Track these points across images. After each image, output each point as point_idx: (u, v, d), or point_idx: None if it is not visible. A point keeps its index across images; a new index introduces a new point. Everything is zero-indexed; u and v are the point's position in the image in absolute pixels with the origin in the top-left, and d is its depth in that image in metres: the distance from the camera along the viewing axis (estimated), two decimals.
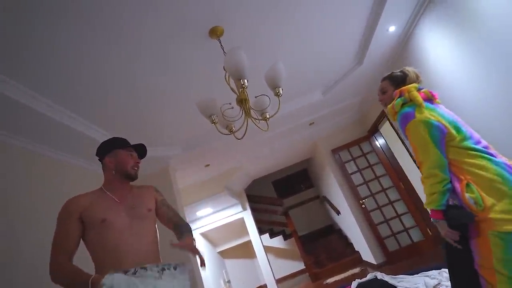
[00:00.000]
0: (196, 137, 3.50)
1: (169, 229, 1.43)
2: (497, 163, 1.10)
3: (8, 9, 1.38)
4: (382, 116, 4.23)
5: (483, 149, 1.15)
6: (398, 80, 1.45)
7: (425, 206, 1.24)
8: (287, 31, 2.29)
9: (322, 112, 4.18)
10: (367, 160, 4.95)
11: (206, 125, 3.13)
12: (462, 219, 1.14)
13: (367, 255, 4.89)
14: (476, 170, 1.11)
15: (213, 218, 6.07)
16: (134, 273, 1.12)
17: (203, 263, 1.22)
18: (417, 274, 2.83)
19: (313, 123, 4.45)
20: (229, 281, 7.32)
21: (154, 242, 1.34)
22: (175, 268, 1.23)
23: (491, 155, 1.14)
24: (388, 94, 1.46)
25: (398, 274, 3.09)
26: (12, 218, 1.87)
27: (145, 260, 1.22)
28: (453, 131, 1.18)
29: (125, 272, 1.11)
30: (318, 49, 2.68)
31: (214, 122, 1.80)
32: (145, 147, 1.48)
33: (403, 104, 1.26)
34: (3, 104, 1.78)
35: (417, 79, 1.45)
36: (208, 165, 4.54)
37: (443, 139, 1.19)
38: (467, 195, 1.11)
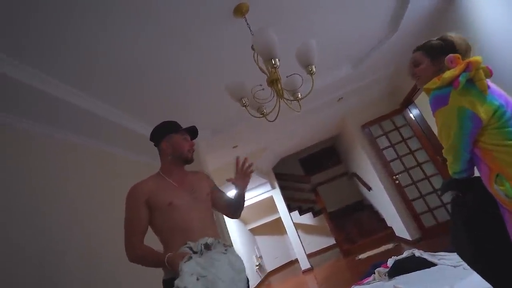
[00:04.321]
0: (224, 119, 3.49)
1: (223, 209, 1.57)
2: None
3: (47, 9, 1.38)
4: (417, 87, 3.95)
5: None
6: (437, 50, 1.21)
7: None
8: (315, 3, 2.13)
9: (352, 87, 3.98)
10: (401, 134, 4.73)
11: (233, 107, 3.08)
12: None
13: (401, 231, 4.79)
14: (510, 159, 1.01)
15: None
16: (201, 254, 1.21)
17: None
18: None
19: (341, 98, 4.26)
20: (261, 257, 7.58)
21: (214, 223, 1.45)
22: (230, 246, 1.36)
23: None
24: (424, 67, 1.24)
25: (437, 251, 3.00)
26: (61, 208, 1.99)
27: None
28: (494, 119, 1.05)
29: (193, 252, 1.20)
30: (349, 18, 2.48)
31: (245, 105, 1.76)
32: (197, 128, 1.53)
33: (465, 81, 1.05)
34: (49, 102, 1.87)
35: (466, 46, 1.21)
36: (236, 146, 4.55)
37: (475, 130, 1.07)
38: (495, 186, 1.02)
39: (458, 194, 1.22)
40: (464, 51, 1.20)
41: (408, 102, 4.44)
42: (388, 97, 4.82)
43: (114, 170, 2.71)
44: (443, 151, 1.21)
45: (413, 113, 4.52)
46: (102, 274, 2.03)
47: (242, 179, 1.52)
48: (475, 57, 1.11)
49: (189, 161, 1.45)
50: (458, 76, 1.07)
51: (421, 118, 4.38)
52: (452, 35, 1.24)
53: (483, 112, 1.05)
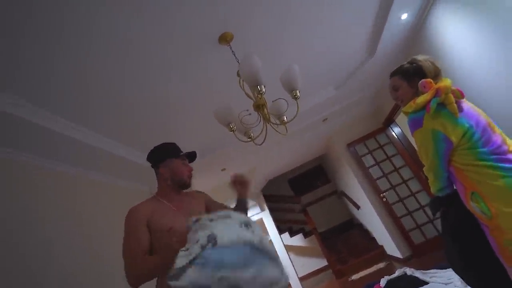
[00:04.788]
0: (211, 143, 3.50)
1: None
2: (508, 171, 1.04)
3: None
4: (398, 107, 4.12)
5: (495, 157, 1.07)
6: (410, 73, 1.30)
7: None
8: (296, 30, 2.24)
9: (336, 108, 4.11)
10: (385, 152, 4.84)
11: (220, 131, 3.11)
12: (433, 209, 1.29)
13: (392, 249, 4.78)
14: (482, 179, 1.06)
15: None
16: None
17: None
18: (449, 268, 2.73)
19: (326, 119, 4.37)
20: None
21: None
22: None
23: (505, 161, 1.06)
24: (403, 91, 1.32)
25: (428, 269, 3.00)
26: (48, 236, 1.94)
27: None
28: (464, 140, 1.12)
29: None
30: (329, 45, 2.62)
31: (233, 130, 1.78)
32: (196, 153, 1.51)
33: (437, 105, 1.13)
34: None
35: (434, 68, 1.28)
36: (224, 169, 4.53)
37: (448, 151, 1.14)
38: (472, 204, 1.07)
39: (444, 210, 1.26)
40: (434, 73, 1.27)
41: (390, 121, 4.60)
42: (371, 116, 4.98)
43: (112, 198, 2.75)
44: (424, 169, 1.26)
45: (395, 131, 4.67)
46: (103, 277, 2.06)
47: (239, 186, 1.51)
48: (444, 82, 1.19)
49: (187, 186, 1.43)
50: (430, 101, 1.15)
51: (402, 136, 4.53)
52: (421, 58, 1.32)
53: (453, 135, 1.12)
